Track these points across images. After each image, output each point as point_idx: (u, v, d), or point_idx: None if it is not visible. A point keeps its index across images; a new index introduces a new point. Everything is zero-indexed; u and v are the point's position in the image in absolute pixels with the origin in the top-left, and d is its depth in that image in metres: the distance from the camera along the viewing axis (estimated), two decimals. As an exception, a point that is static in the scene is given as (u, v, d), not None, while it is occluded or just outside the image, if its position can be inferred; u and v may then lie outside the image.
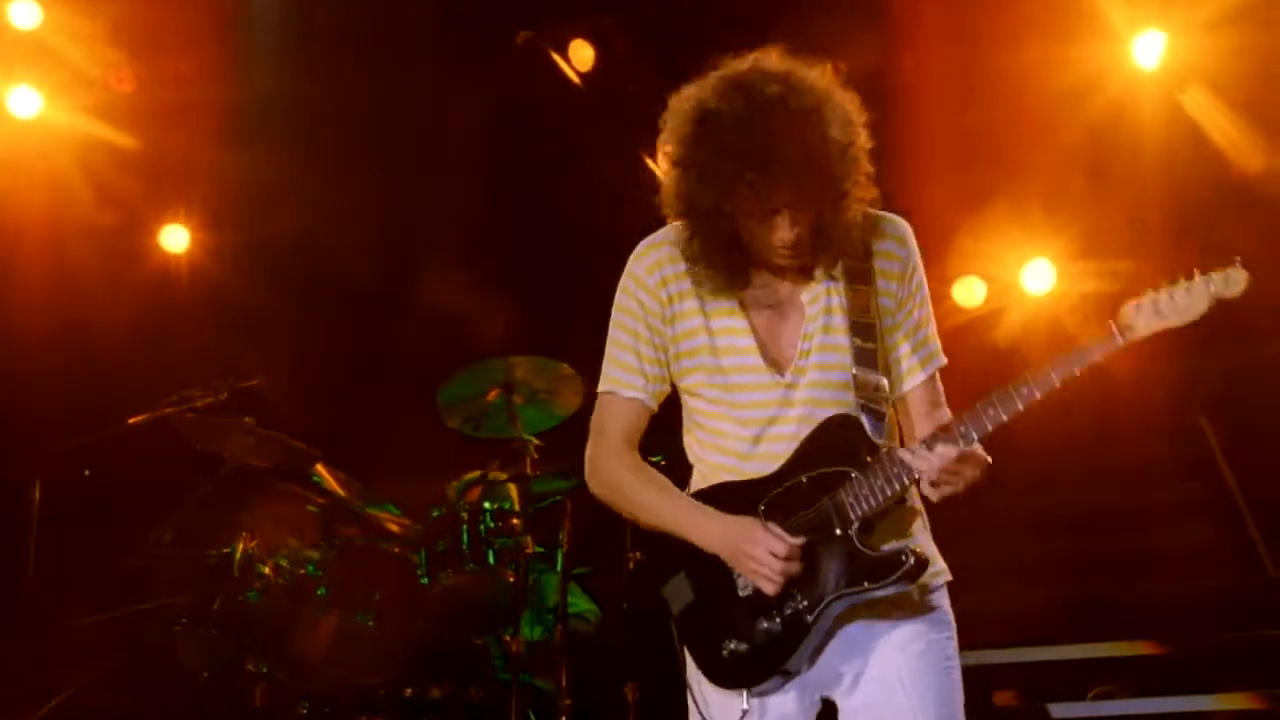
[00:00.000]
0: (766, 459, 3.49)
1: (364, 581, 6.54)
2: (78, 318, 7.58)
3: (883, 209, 3.58)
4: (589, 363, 6.65)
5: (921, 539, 3.55)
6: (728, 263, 3.46)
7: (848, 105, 3.37)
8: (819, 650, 3.43)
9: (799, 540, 3.36)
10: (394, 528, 6.86)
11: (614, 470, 3.57)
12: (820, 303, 3.49)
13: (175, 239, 8.13)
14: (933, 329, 3.61)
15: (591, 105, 7.86)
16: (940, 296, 7.22)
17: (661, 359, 3.58)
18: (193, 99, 7.30)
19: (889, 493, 3.34)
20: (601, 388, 3.65)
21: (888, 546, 3.39)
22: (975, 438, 3.30)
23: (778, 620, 3.40)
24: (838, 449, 3.40)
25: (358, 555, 6.62)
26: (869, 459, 3.36)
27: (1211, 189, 7.05)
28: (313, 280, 7.97)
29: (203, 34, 7.17)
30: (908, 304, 3.55)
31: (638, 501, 3.54)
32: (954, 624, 3.54)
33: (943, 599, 3.54)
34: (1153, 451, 7.38)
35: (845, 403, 3.44)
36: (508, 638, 6.37)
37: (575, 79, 7.85)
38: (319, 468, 6.81)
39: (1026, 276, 7.64)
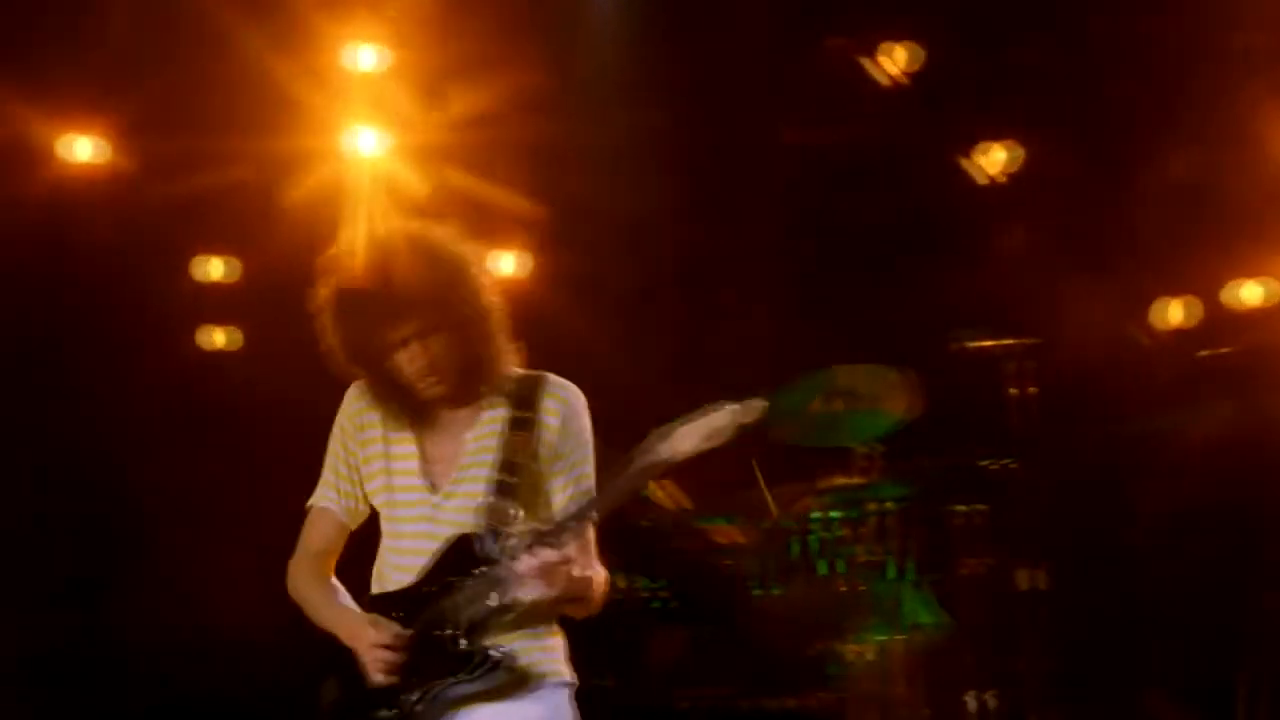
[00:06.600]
0: (415, 572, 3.84)
1: (698, 594, 6.61)
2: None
3: None
4: (912, 365, 6.71)
5: (538, 643, 3.80)
6: (400, 405, 3.89)
7: (447, 251, 3.85)
8: None
9: (404, 633, 3.74)
10: (724, 540, 6.91)
11: (301, 581, 3.99)
12: (482, 441, 3.88)
13: (502, 264, 8.36)
14: (589, 486, 3.88)
15: (906, 108, 7.80)
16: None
17: (355, 478, 3.99)
18: (523, 133, 7.52)
19: (490, 601, 3.69)
20: (308, 503, 4.07)
21: (484, 645, 3.73)
22: (559, 541, 3.66)
23: (395, 711, 3.76)
24: (455, 562, 3.77)
25: (691, 569, 6.68)
26: (475, 571, 3.72)
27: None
28: (631, 297, 8.09)
29: (536, 68, 7.35)
30: (568, 456, 3.89)
31: (310, 610, 3.95)
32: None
33: (554, 696, 3.80)
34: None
35: (478, 525, 3.80)
36: (842, 648, 6.34)
37: (887, 83, 7.80)
38: (649, 483, 6.90)
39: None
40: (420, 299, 3.80)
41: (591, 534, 3.93)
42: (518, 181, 7.69)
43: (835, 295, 7.82)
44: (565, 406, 3.94)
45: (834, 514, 6.68)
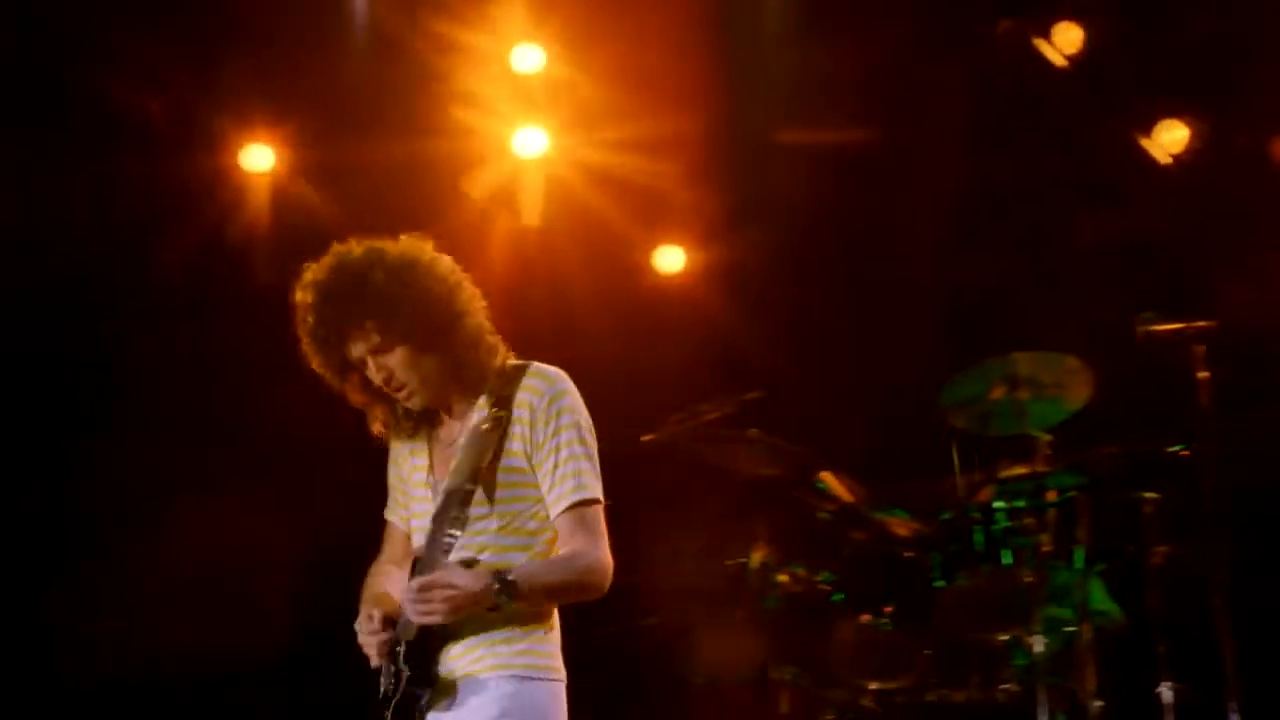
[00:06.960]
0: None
1: (879, 586, 6.57)
2: (575, 337, 7.83)
3: None
4: (1094, 350, 6.57)
5: (485, 640, 3.87)
6: (398, 413, 4.05)
7: (405, 264, 3.93)
8: None
9: (376, 627, 3.88)
10: (903, 531, 6.85)
11: (370, 580, 4.14)
12: (464, 445, 3.93)
13: (671, 259, 8.38)
14: (571, 469, 3.91)
15: (1079, 88, 7.66)
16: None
17: (401, 489, 4.15)
18: (687, 131, 7.54)
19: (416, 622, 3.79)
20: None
21: (409, 665, 3.85)
22: (432, 565, 3.78)
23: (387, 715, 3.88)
24: (414, 576, 3.86)
25: (871, 560, 6.65)
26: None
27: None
28: (793, 292, 8.06)
29: (701, 65, 7.38)
30: (545, 445, 3.90)
31: None
32: (517, 711, 3.83)
33: (502, 687, 3.83)
34: None
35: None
36: (1029, 639, 6.24)
37: (1061, 62, 7.66)
38: (825, 475, 6.87)
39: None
40: (360, 321, 3.87)
41: (594, 516, 3.92)
42: (683, 178, 7.71)
43: (1009, 281, 7.70)
44: (535, 396, 3.92)
45: (1018, 503, 6.56)
